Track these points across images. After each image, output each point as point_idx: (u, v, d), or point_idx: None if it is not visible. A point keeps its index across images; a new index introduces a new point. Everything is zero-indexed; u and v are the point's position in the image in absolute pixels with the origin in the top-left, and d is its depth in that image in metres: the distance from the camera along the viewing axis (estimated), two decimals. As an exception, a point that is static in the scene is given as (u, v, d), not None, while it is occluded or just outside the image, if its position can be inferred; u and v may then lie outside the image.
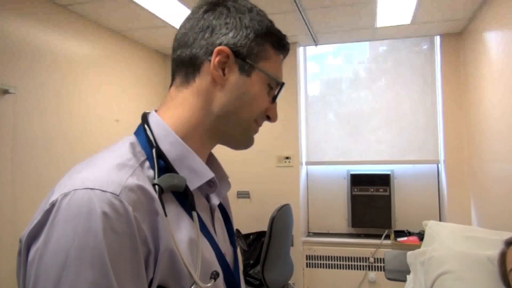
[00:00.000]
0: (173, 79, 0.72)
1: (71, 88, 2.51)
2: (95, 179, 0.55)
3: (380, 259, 3.09)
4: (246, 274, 2.75)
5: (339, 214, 3.43)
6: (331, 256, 3.21)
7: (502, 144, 2.35)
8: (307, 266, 3.24)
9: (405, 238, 3.07)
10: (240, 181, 3.34)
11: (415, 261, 1.23)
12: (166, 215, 0.59)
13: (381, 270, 3.12)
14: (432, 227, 1.39)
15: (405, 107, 3.36)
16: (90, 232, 0.52)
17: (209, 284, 0.62)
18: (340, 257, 3.19)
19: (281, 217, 2.76)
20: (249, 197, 3.36)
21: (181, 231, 0.62)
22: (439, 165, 3.28)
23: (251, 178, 3.35)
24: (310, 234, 3.45)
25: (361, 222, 3.28)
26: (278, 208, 2.74)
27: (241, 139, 0.72)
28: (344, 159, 3.43)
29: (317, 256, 3.23)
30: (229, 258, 0.74)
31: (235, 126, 0.70)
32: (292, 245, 3.17)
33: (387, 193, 3.26)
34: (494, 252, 1.10)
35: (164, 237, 0.58)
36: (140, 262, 0.56)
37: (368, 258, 3.12)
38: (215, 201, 0.73)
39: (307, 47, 3.57)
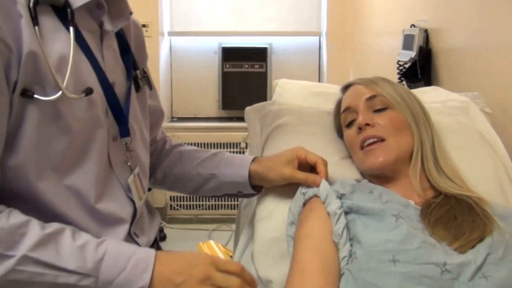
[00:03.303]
0: None
1: None
2: None
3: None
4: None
5: (208, 95, 3.42)
6: (199, 143, 3.25)
7: (383, 18, 2.47)
8: (170, 155, 3.27)
9: (280, 120, 3.23)
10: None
11: (253, 117, 1.27)
12: (37, 24, 0.70)
13: (253, 156, 3.29)
14: (282, 85, 1.42)
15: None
16: None
17: (75, 95, 0.75)
18: (208, 143, 3.25)
19: (134, 97, 2.67)
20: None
21: (54, 43, 0.73)
22: (321, 37, 3.39)
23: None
24: (174, 119, 3.42)
25: (233, 104, 3.33)
26: (129, 86, 2.63)
27: None
28: (216, 29, 3.36)
29: (182, 144, 3.26)
30: (119, 88, 0.87)
31: None
32: (151, 132, 3.13)
33: (263, 70, 3.30)
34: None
35: (28, 40, 0.69)
36: None
37: (240, 143, 3.25)
38: (108, 27, 0.85)
39: None
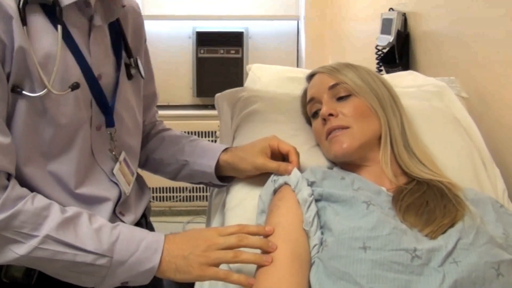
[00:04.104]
0: None
1: None
2: None
3: (229, 132, 3.23)
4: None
5: (182, 82, 3.39)
6: (172, 132, 3.25)
7: (363, 1, 2.50)
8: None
9: (257, 108, 3.23)
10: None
11: (223, 104, 1.27)
12: (25, 24, 0.77)
13: (229, 145, 3.29)
14: (255, 70, 1.43)
15: None
16: None
17: (59, 91, 0.82)
18: (183, 132, 3.24)
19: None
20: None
21: (41, 41, 0.80)
22: (299, 22, 3.39)
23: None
24: (146, 107, 3.41)
25: (208, 91, 3.30)
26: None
27: None
28: (189, 13, 3.33)
29: (155, 133, 3.24)
30: (106, 80, 0.93)
31: None
32: (122, 120, 3.11)
33: (239, 55, 3.29)
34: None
35: (19, 38, 0.76)
36: None
37: (215, 132, 3.24)
38: (97, 22, 0.89)
39: None
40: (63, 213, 0.82)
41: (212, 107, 3.27)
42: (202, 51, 3.28)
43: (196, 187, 3.25)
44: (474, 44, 1.40)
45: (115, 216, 0.96)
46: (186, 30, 3.34)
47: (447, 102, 1.24)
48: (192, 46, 3.30)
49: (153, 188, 3.24)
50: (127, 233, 0.85)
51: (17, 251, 0.78)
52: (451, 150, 1.11)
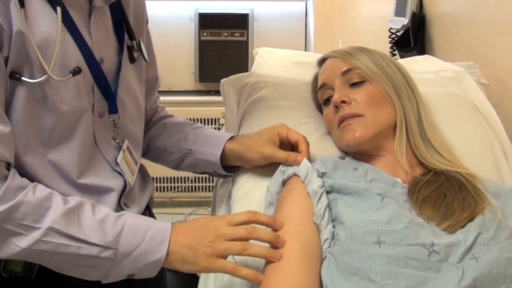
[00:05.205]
0: None
1: None
2: None
3: (233, 119, 3.23)
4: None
5: (184, 67, 3.38)
6: (174, 119, 3.25)
7: None
8: (142, 133, 3.26)
9: (263, 94, 3.22)
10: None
11: (229, 90, 1.26)
12: (23, 7, 0.77)
13: (233, 133, 3.29)
14: (262, 54, 1.42)
15: None
16: None
17: (60, 77, 0.81)
18: (185, 119, 3.24)
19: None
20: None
21: (39, 24, 0.79)
22: (308, 2, 3.37)
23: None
24: (146, 92, 3.41)
25: (211, 76, 3.29)
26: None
27: None
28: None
29: (156, 120, 3.25)
30: (108, 64, 0.92)
31: None
32: (121, 107, 3.11)
33: (244, 38, 3.26)
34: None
35: (17, 21, 0.76)
36: None
37: (218, 119, 3.24)
38: (97, 3, 0.88)
39: None
40: (66, 203, 0.82)
41: (215, 92, 3.30)
42: (205, 34, 3.26)
43: (198, 177, 3.25)
44: (494, 27, 1.38)
45: (120, 208, 0.96)
46: (188, 12, 3.31)
47: (465, 89, 1.23)
48: (194, 29, 3.28)
49: (153, 178, 3.24)
50: (132, 223, 0.85)
51: (19, 244, 0.78)
52: (470, 139, 1.10)
